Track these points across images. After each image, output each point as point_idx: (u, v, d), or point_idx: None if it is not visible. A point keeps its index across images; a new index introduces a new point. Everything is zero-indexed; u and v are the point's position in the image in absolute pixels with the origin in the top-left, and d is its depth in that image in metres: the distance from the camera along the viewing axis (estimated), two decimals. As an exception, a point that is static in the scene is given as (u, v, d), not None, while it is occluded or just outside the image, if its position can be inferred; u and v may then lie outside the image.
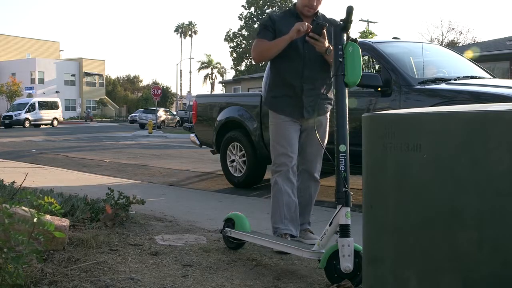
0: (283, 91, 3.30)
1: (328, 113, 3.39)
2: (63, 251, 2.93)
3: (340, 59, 2.52)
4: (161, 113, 36.03)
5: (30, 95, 49.12)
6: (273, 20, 3.28)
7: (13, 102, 41.55)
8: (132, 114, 44.27)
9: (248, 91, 28.22)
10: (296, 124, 3.31)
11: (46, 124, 37.85)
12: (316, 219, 3.87)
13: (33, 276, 2.44)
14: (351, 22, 2.57)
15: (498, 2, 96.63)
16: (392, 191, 1.47)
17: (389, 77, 4.61)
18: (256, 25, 55.09)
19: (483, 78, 5.07)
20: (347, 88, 2.55)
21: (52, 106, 39.72)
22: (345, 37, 2.57)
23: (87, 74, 60.22)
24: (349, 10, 2.56)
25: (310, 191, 3.39)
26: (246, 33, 56.58)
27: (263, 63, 3.73)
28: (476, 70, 5.31)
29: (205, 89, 71.84)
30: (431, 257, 1.36)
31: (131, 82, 74.25)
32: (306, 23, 3.06)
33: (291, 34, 3.08)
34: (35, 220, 2.27)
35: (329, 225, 2.53)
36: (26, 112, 37.23)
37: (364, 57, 5.20)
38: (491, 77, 5.26)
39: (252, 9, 55.94)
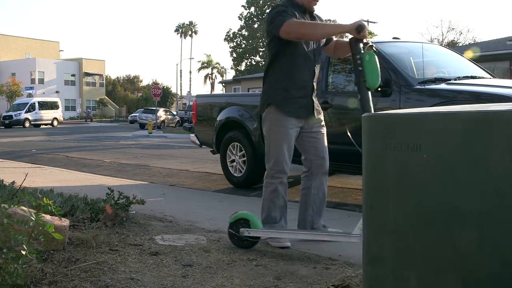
0: (297, 91, 3.27)
1: None
2: (63, 251, 2.92)
3: (360, 68, 2.83)
4: (161, 113, 36.02)
5: (30, 95, 49.09)
6: (291, 10, 3.16)
7: (13, 102, 41.54)
8: (132, 114, 44.28)
9: (248, 91, 28.22)
10: (298, 129, 3.33)
11: (46, 124, 37.84)
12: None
13: (33, 276, 2.44)
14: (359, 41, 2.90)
15: (498, 2, 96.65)
16: (392, 191, 1.47)
17: (389, 77, 4.61)
18: (256, 25, 55.09)
19: (483, 78, 5.07)
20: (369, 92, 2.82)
21: (52, 106, 39.71)
22: (361, 46, 2.88)
23: (87, 74, 60.19)
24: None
25: (323, 188, 3.41)
26: (246, 33, 56.53)
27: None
28: (476, 70, 5.31)
29: (205, 89, 71.89)
30: (431, 257, 1.36)
31: (131, 82, 74.26)
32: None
33: (347, 28, 2.96)
34: (32, 221, 2.27)
35: None
36: (26, 112, 37.22)
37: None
38: (491, 77, 5.26)
39: (252, 9, 55.85)
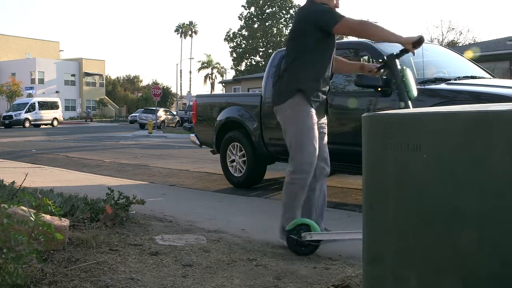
0: (323, 84, 3.25)
1: None
2: (63, 251, 2.92)
3: (404, 79, 3.12)
4: (161, 113, 36.03)
5: (30, 95, 49.09)
6: None
7: (13, 102, 41.54)
8: (132, 114, 44.31)
9: (248, 91, 28.22)
10: None
11: (46, 124, 37.84)
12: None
13: (33, 276, 2.44)
14: (403, 54, 3.13)
15: (498, 2, 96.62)
16: (392, 191, 1.47)
17: (389, 77, 4.61)
18: (256, 25, 55.08)
19: (483, 78, 5.07)
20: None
21: (52, 106, 39.72)
22: (398, 63, 3.16)
23: (87, 74, 60.20)
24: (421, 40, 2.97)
25: (324, 190, 3.38)
26: (246, 33, 56.53)
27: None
28: (476, 70, 5.30)
29: (205, 89, 71.89)
30: (431, 257, 1.36)
31: (131, 82, 74.29)
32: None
33: (403, 40, 2.99)
34: (32, 221, 2.27)
35: None
36: (26, 112, 37.23)
37: (364, 57, 5.20)
38: (491, 77, 5.26)
39: (252, 9, 55.87)
